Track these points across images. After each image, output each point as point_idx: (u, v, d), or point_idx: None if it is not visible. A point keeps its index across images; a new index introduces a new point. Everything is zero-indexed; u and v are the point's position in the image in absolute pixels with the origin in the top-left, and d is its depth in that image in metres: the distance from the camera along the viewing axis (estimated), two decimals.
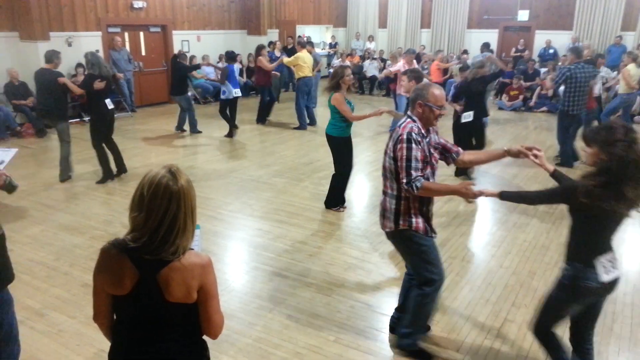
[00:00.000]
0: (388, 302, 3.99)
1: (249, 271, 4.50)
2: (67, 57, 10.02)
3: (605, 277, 2.57)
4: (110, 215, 5.65)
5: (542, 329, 2.86)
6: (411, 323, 3.30)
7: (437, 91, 3.00)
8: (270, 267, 4.52)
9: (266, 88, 10.51)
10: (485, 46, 13.27)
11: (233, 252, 4.93)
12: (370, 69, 15.15)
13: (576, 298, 2.67)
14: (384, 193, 3.16)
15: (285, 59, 10.61)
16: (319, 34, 18.67)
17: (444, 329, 3.67)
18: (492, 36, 16.09)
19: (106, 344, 3.36)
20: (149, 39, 12.12)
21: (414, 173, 2.86)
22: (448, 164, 3.26)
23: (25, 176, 6.88)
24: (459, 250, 4.93)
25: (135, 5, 11.33)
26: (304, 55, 10.05)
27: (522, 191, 3.36)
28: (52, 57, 6.50)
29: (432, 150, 3.04)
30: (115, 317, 1.92)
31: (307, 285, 4.23)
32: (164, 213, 1.74)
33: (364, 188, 6.76)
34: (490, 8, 16.34)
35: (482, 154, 3.61)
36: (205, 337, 1.95)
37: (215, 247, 4.90)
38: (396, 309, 3.61)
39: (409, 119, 3.03)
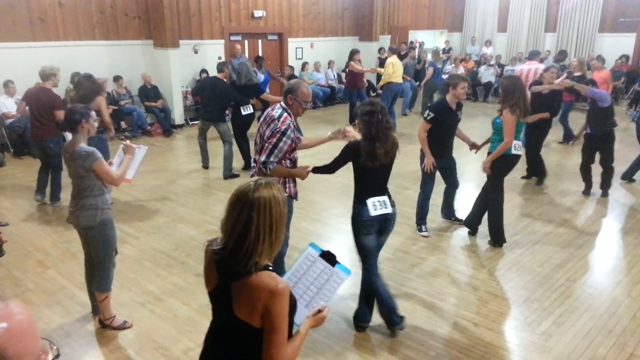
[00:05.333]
0: (496, 322, 3.77)
1: (350, 277, 4.50)
2: (193, 64, 10.92)
3: (373, 212, 3.42)
4: (222, 212, 5.98)
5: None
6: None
7: (305, 89, 3.63)
8: None
9: (355, 91, 10.77)
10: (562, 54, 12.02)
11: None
12: (486, 75, 14.49)
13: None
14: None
15: (380, 69, 11.06)
16: (433, 39, 18.26)
17: (558, 356, 3.38)
18: (628, 41, 14.61)
19: None
20: (266, 46, 12.71)
21: (272, 158, 3.53)
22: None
23: (153, 171, 7.56)
24: (579, 274, 4.52)
25: (256, 15, 11.95)
26: (394, 62, 10.26)
27: (327, 164, 3.65)
28: (223, 67, 7.37)
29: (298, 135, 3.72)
30: None
31: (407, 296, 4.14)
32: (235, 220, 1.69)
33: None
34: (628, 9, 14.82)
35: (309, 140, 4.02)
36: None
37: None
38: None
39: (286, 114, 3.60)
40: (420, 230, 5.38)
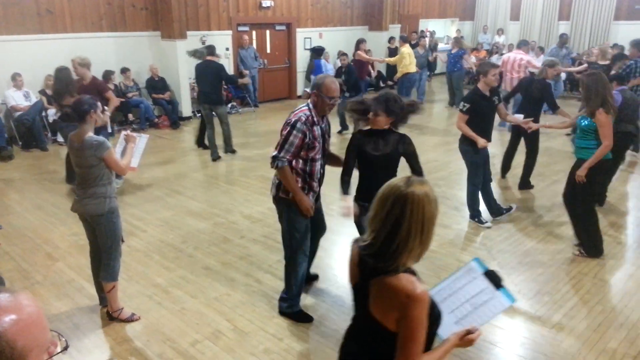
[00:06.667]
0: (506, 315, 3.73)
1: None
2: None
3: None
4: (231, 204, 5.99)
5: None
6: (286, 289, 3.72)
7: (331, 84, 3.34)
8: None
9: (362, 81, 10.55)
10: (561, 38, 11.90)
11: (342, 249, 4.94)
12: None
13: None
14: None
15: (390, 59, 10.97)
16: (444, 28, 18.05)
17: (568, 350, 3.34)
18: None
19: (223, 326, 3.59)
20: (274, 36, 12.62)
21: (282, 153, 3.30)
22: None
23: (161, 164, 7.56)
24: (590, 267, 4.45)
25: (264, 4, 11.86)
26: (408, 52, 10.11)
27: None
28: (213, 50, 7.63)
29: (326, 136, 3.52)
30: None
31: None
32: (386, 215, 1.64)
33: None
34: None
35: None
36: None
37: (325, 242, 4.94)
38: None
39: (305, 108, 3.38)
40: (480, 222, 5.31)
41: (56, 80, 6.11)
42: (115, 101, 6.31)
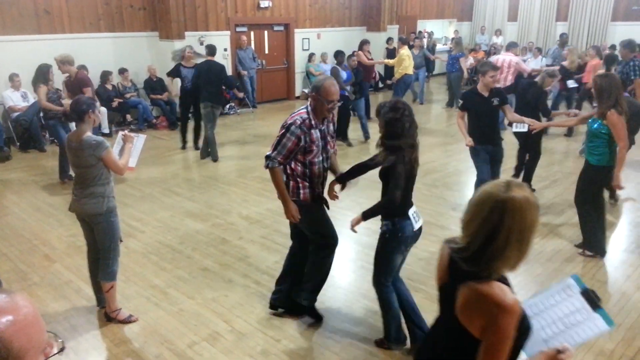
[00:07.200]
0: None
1: (355, 270, 4.49)
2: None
3: (416, 225, 3.15)
4: (228, 205, 5.99)
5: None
6: (310, 284, 3.62)
7: (330, 86, 3.27)
8: None
9: (365, 83, 10.34)
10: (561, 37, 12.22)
11: (340, 250, 4.92)
12: None
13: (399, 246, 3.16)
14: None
15: (388, 60, 11.12)
16: (442, 29, 18.08)
17: None
18: None
19: (220, 327, 3.58)
20: (272, 37, 12.62)
21: (274, 154, 3.29)
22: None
23: (159, 165, 7.55)
24: (588, 268, 4.46)
25: (262, 5, 11.86)
26: (407, 53, 10.24)
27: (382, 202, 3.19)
28: (214, 50, 7.83)
29: (328, 138, 3.45)
30: None
31: (415, 290, 4.09)
32: (483, 221, 1.58)
33: None
34: None
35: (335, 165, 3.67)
36: None
37: None
38: (276, 283, 3.82)
39: (303, 111, 3.34)
40: None
41: (35, 74, 6.70)
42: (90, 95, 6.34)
